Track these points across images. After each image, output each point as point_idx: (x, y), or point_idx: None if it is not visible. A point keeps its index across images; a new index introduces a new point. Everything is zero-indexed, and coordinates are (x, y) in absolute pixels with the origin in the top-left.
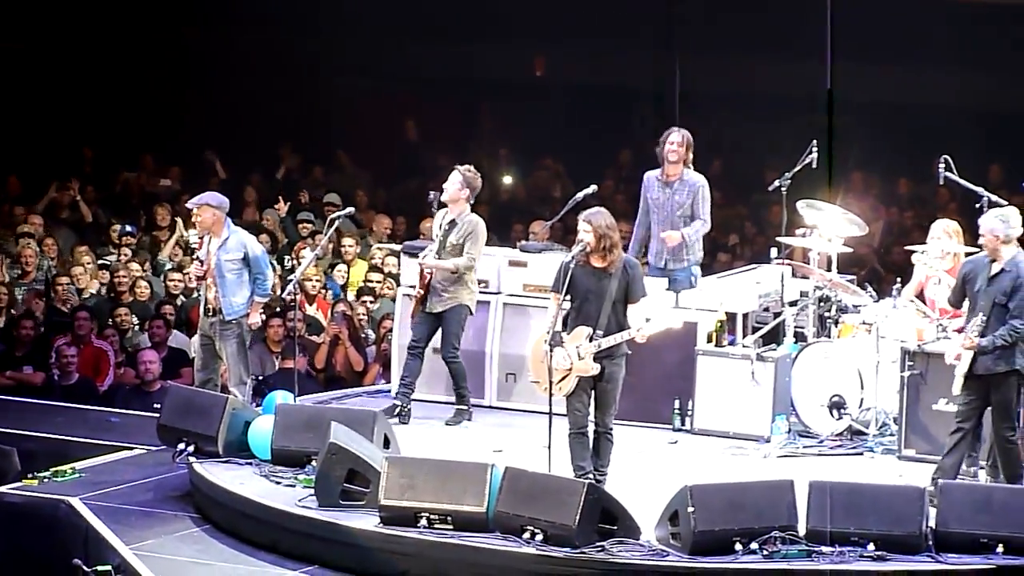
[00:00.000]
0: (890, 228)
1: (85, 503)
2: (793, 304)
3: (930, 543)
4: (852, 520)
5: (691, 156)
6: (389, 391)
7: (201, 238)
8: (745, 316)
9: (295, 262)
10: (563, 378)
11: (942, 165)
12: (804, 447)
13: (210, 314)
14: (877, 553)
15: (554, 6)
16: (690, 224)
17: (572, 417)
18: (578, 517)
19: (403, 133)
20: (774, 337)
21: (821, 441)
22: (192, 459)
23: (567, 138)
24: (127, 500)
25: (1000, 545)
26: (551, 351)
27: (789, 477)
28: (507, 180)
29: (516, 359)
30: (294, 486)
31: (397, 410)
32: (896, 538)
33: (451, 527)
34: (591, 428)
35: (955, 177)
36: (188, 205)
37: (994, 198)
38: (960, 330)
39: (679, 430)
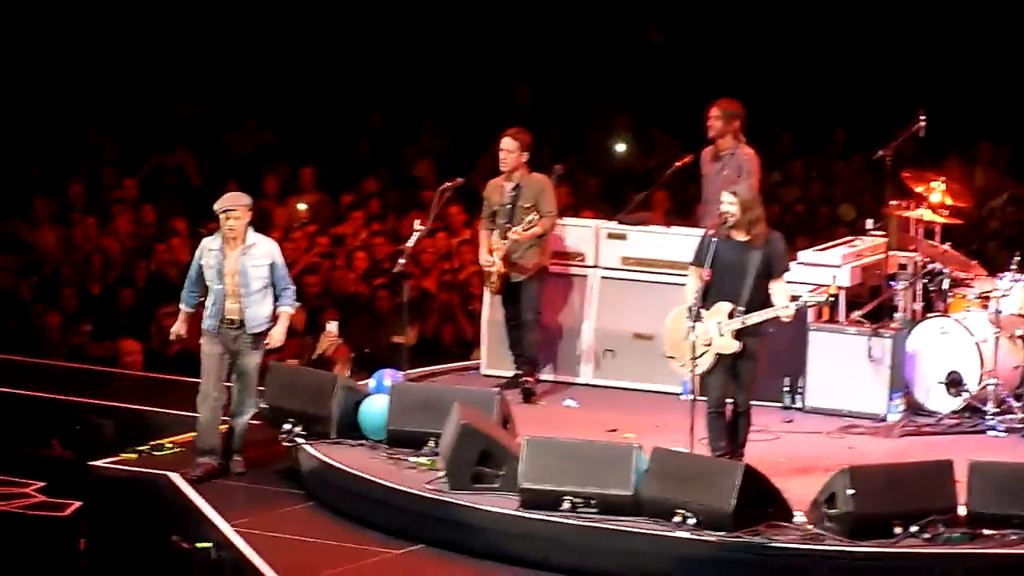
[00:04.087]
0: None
1: (184, 478)
2: (892, 278)
3: None
4: (1015, 502)
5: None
6: (478, 368)
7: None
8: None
9: None
10: (701, 355)
11: None
12: (924, 426)
13: (235, 326)
14: None
15: None
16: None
17: (710, 395)
18: (735, 500)
19: None
20: (877, 313)
21: (939, 419)
22: (300, 440)
23: None
24: (228, 476)
25: None
26: (694, 326)
27: (948, 457)
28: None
29: (614, 335)
30: (415, 468)
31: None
32: None
33: (596, 511)
34: (729, 407)
35: None
36: (232, 207)
37: None
38: None
39: (790, 408)
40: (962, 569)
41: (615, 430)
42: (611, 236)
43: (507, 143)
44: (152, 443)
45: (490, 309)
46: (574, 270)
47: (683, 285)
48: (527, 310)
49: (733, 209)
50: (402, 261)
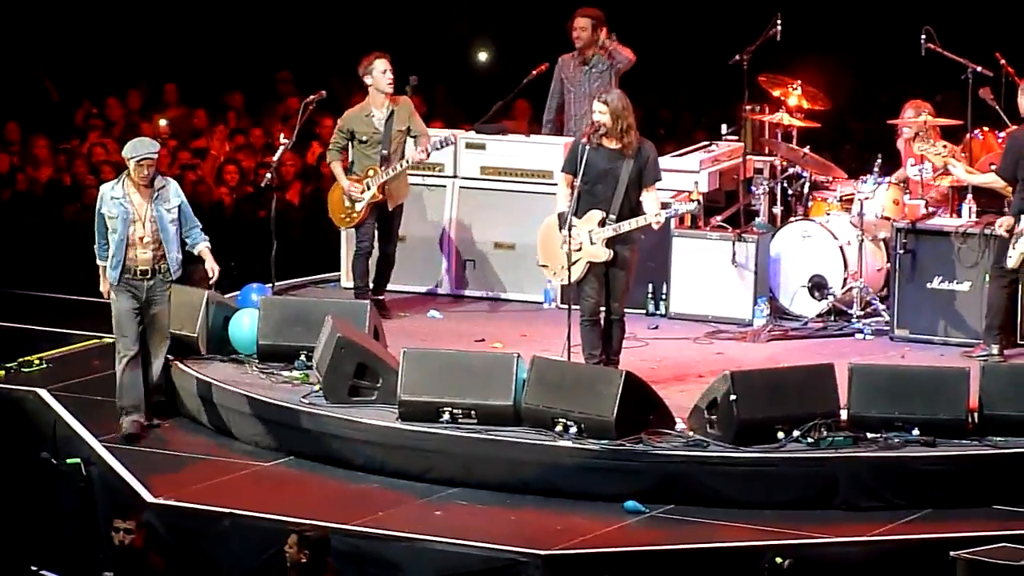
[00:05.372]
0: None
1: (53, 394)
2: (749, 182)
3: (975, 425)
4: (895, 405)
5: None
6: (337, 281)
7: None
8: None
9: None
10: (574, 263)
11: (923, 36)
12: (791, 330)
13: (147, 276)
14: (924, 438)
15: None
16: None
17: (583, 303)
18: (617, 407)
19: None
20: (734, 218)
21: (805, 323)
22: (169, 357)
23: None
24: (96, 392)
25: None
26: (570, 234)
27: (823, 361)
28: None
29: (475, 245)
30: (289, 382)
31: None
32: (941, 422)
33: (476, 422)
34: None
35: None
36: (150, 154)
37: (979, 69)
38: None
39: (653, 315)
40: (847, 472)
41: (482, 340)
42: (470, 146)
43: (385, 64)
44: (20, 360)
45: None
46: (433, 181)
47: (543, 194)
48: (392, 241)
49: (604, 118)
50: (269, 175)
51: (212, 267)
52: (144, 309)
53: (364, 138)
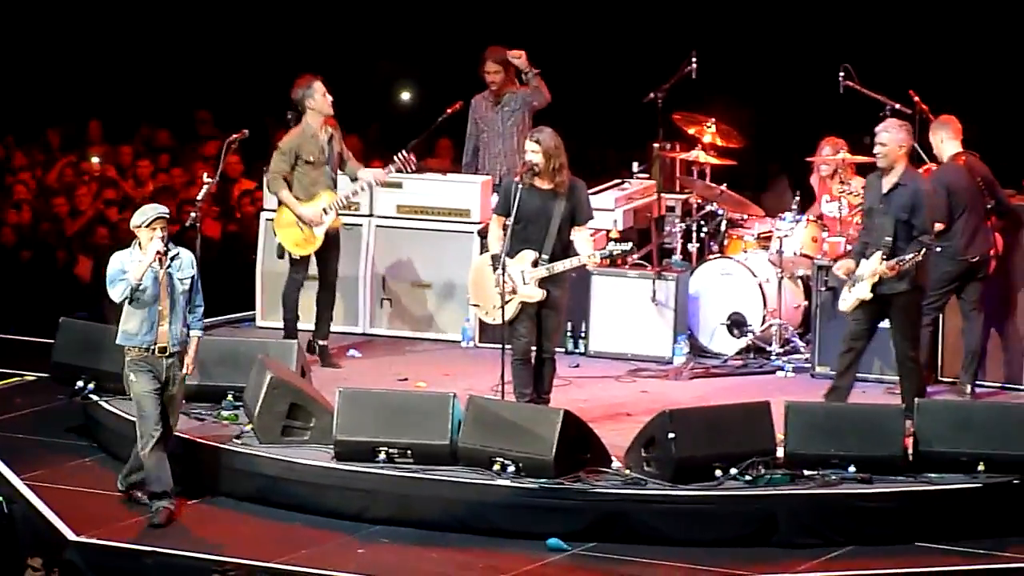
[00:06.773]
0: None
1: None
2: (661, 220)
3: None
4: (832, 442)
5: None
6: (252, 320)
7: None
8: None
9: None
10: (506, 303)
11: (842, 74)
12: (712, 368)
13: (164, 353)
14: (860, 475)
15: None
16: None
17: (515, 343)
18: (555, 446)
19: None
20: (648, 255)
21: (724, 361)
22: (93, 396)
23: None
24: (18, 430)
25: (981, 463)
26: (504, 275)
27: (755, 399)
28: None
29: (391, 284)
30: (218, 422)
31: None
32: (877, 459)
33: (413, 461)
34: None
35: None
36: (163, 214)
37: (898, 106)
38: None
39: (572, 353)
40: (785, 510)
41: (406, 379)
42: (386, 184)
43: (323, 87)
44: None
45: (265, 259)
46: (349, 219)
47: (460, 232)
48: (336, 271)
49: (537, 158)
50: (193, 214)
51: (190, 362)
52: (163, 389)
53: (311, 158)
